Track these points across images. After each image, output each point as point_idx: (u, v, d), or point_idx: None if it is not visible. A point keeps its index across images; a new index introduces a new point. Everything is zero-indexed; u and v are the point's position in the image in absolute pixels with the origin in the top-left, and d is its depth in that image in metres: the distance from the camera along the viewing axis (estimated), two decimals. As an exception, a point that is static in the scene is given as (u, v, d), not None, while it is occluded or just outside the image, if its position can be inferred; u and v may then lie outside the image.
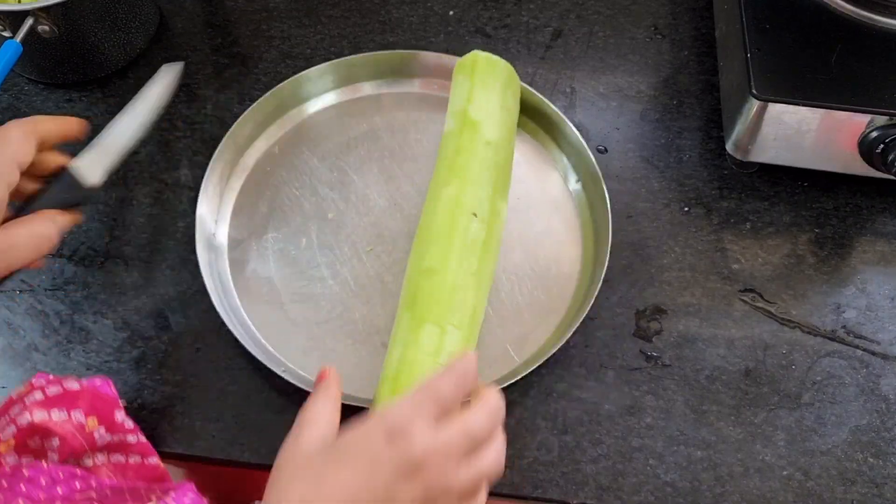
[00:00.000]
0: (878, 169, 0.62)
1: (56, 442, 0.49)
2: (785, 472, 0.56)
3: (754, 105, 0.60)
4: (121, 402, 0.53)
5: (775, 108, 0.60)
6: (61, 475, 0.47)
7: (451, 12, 0.78)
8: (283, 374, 0.56)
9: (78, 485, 0.47)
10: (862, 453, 0.56)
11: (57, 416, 0.50)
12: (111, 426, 0.52)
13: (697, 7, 0.78)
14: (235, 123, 0.66)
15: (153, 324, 0.61)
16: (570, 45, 0.76)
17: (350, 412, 0.58)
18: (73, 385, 0.51)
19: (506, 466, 0.55)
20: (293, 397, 0.58)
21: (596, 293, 0.58)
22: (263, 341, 0.60)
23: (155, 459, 0.54)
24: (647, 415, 0.58)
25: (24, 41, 0.62)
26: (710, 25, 0.76)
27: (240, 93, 0.72)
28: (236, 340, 0.60)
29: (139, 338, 0.60)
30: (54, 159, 0.51)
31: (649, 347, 0.60)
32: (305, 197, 0.66)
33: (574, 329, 0.57)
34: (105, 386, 0.53)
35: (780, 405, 0.58)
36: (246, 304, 0.61)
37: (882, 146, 0.59)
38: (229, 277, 0.62)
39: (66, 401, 0.50)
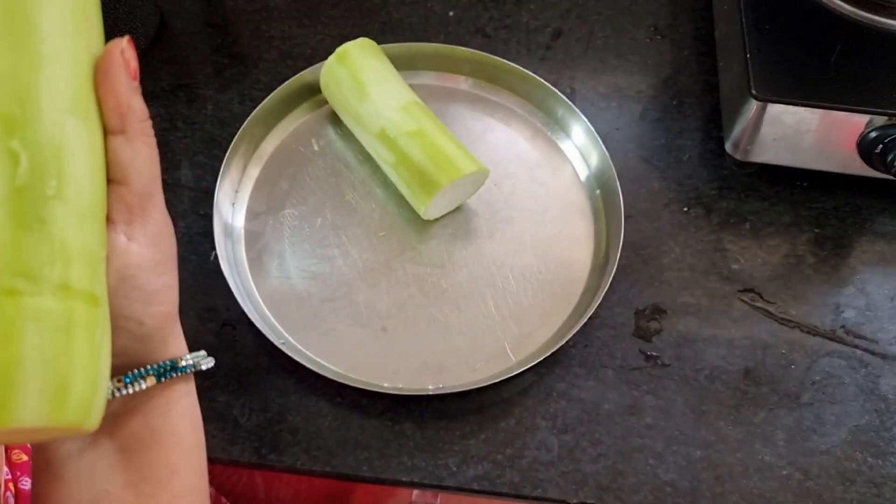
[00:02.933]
0: (877, 169, 0.62)
1: None
2: (784, 472, 0.56)
3: (754, 105, 0.60)
4: None
5: (775, 109, 0.60)
6: None
7: (451, 13, 0.78)
8: (280, 346, 0.57)
9: None
10: (861, 453, 0.56)
11: None
12: None
13: (697, 7, 0.78)
14: (271, 94, 0.67)
15: (153, 324, 0.61)
16: (570, 46, 0.76)
17: (344, 391, 0.58)
18: None
19: (505, 466, 0.55)
20: (292, 398, 0.58)
21: (601, 297, 0.58)
22: (267, 312, 0.61)
23: None
24: (646, 414, 0.58)
25: (24, 41, 0.62)
26: (709, 26, 0.76)
27: (240, 93, 0.72)
28: (235, 339, 0.60)
29: (139, 338, 0.60)
30: None
31: (649, 347, 0.60)
32: (326, 177, 0.67)
33: (575, 331, 0.57)
34: None
35: (780, 405, 0.58)
36: (255, 275, 0.62)
37: (881, 146, 0.60)
38: (242, 248, 0.64)
39: None
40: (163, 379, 0.39)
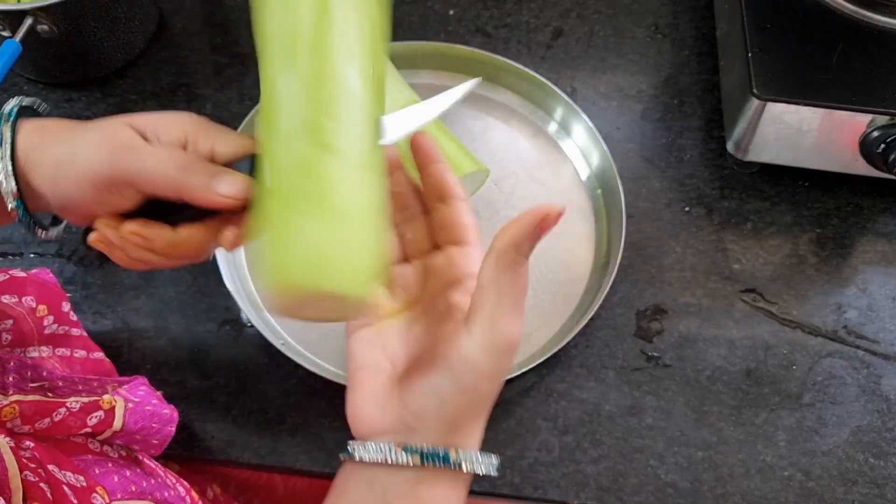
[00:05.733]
0: (879, 169, 0.61)
1: (9, 323, 0.48)
2: (786, 473, 0.56)
3: (755, 105, 0.60)
4: (66, 294, 0.53)
5: (776, 108, 0.60)
6: (12, 364, 0.46)
7: (451, 12, 0.78)
8: (280, 347, 0.56)
9: (29, 373, 0.46)
10: (863, 454, 0.56)
11: (8, 300, 0.49)
12: (59, 316, 0.52)
13: (698, 6, 0.78)
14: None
15: (152, 324, 0.61)
16: (571, 45, 0.76)
17: (344, 392, 0.58)
18: (19, 273, 0.51)
19: (506, 467, 0.55)
20: (292, 398, 0.58)
21: (602, 297, 0.58)
22: (266, 312, 0.60)
23: (100, 354, 0.54)
24: (647, 415, 0.57)
25: (23, 41, 0.62)
26: (710, 25, 0.76)
27: (239, 92, 0.72)
28: (235, 339, 0.60)
29: (138, 338, 0.60)
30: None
31: (650, 348, 0.60)
32: None
33: (576, 331, 0.57)
34: (50, 277, 0.53)
35: (781, 405, 0.58)
36: (254, 275, 0.62)
37: (883, 146, 0.59)
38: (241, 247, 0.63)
39: (14, 287, 0.50)
40: (427, 462, 0.35)
